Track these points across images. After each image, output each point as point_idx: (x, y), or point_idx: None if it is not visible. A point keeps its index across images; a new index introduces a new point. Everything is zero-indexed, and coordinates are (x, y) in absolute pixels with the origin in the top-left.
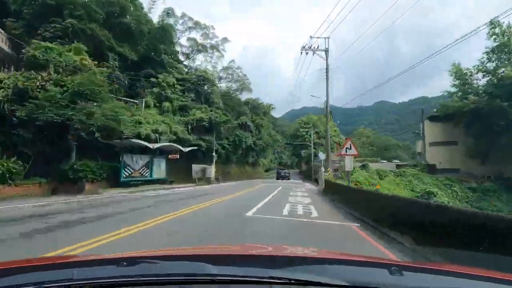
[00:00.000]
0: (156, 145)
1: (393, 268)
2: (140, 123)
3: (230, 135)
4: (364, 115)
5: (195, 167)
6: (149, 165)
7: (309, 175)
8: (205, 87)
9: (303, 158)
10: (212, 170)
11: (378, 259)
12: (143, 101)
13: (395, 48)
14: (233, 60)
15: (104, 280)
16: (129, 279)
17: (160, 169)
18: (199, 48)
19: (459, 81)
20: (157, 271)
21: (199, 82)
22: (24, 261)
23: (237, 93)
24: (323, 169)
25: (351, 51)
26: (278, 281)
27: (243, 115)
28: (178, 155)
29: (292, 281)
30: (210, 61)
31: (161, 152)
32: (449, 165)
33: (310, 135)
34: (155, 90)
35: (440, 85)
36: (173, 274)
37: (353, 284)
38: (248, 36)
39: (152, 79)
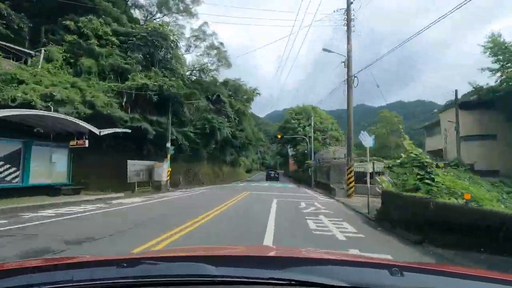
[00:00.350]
0: (2, 113)
1: (393, 268)
2: (22, 82)
3: (197, 119)
4: (345, 117)
5: (132, 165)
6: (18, 159)
7: (303, 178)
8: (162, 50)
9: (295, 156)
10: (164, 170)
11: (379, 260)
12: (42, 52)
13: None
14: (206, 23)
15: (104, 281)
16: (129, 280)
17: (51, 167)
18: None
19: (503, 55)
20: (157, 272)
21: (151, 38)
22: (24, 262)
23: (213, 70)
24: (371, 166)
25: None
26: (278, 282)
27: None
28: (86, 141)
29: (292, 282)
30: (175, 21)
31: (60, 136)
32: (487, 165)
33: (303, 128)
34: (69, 38)
35: (414, 91)
36: (173, 275)
37: (353, 285)
38: (230, 33)
39: (67, 23)
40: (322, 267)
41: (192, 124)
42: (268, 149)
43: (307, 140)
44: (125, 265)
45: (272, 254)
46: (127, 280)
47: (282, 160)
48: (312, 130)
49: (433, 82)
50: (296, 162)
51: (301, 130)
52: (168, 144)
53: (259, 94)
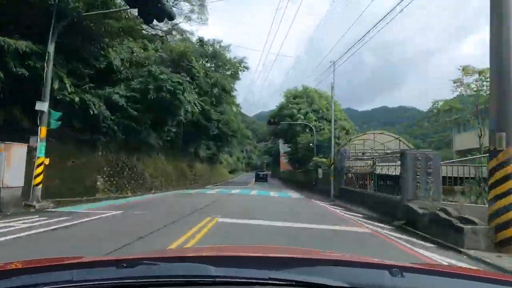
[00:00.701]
0: None
1: (393, 269)
2: None
3: (137, 75)
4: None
5: None
6: None
7: (304, 182)
8: None
9: (292, 153)
10: (18, 164)
11: (379, 260)
12: None
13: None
14: None
15: (104, 282)
16: (129, 280)
17: None
18: None
19: None
20: (158, 272)
21: None
22: (23, 262)
23: (183, 31)
24: None
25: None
26: (278, 282)
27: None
28: None
29: (292, 283)
30: None
31: None
32: None
33: (305, 115)
34: None
35: (399, 97)
36: (174, 276)
37: (353, 285)
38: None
39: None
40: (323, 268)
41: (127, 85)
42: (255, 148)
43: (314, 129)
44: (125, 265)
45: (272, 254)
46: (127, 281)
47: (270, 159)
48: (333, 106)
49: (415, 89)
50: (291, 160)
51: (302, 117)
52: (43, 106)
53: (247, 68)
